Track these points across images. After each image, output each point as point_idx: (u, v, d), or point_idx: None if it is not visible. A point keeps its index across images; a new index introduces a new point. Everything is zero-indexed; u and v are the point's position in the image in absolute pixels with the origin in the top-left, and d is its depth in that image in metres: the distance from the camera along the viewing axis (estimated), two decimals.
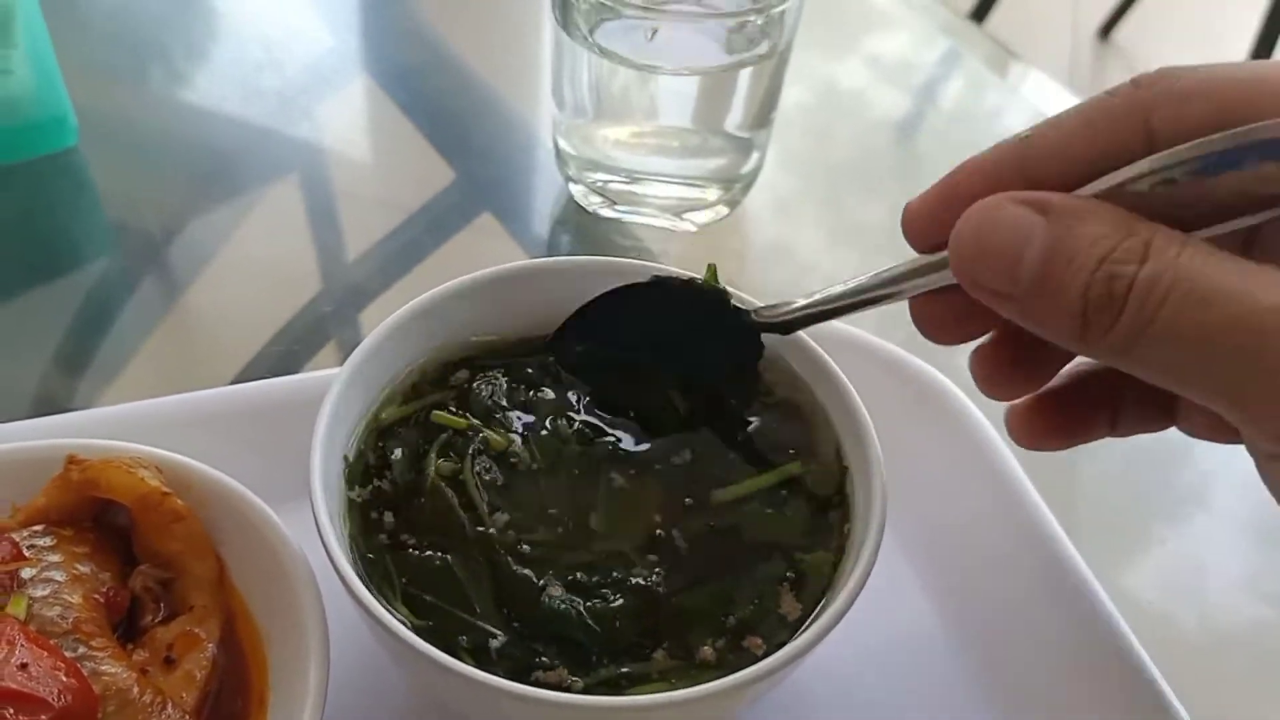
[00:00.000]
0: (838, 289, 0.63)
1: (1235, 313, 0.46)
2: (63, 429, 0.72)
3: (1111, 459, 0.89)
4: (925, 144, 1.27)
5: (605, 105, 0.97)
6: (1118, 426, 0.64)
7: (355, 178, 1.15)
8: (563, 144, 1.02)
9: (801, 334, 0.69)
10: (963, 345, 0.63)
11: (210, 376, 0.88)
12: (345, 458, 0.66)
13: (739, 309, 0.68)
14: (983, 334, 0.62)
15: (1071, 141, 0.54)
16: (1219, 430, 0.60)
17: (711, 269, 0.69)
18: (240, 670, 0.63)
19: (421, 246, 1.07)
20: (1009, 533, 0.75)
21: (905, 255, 0.58)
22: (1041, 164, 0.54)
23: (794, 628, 0.60)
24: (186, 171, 1.11)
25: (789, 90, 1.02)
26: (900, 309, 0.62)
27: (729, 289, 0.69)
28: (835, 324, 0.81)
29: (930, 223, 0.58)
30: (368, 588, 0.58)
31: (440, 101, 1.23)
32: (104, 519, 0.67)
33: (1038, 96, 1.31)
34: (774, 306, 0.67)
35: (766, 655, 0.58)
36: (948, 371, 0.81)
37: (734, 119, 0.97)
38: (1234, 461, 0.61)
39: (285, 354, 0.94)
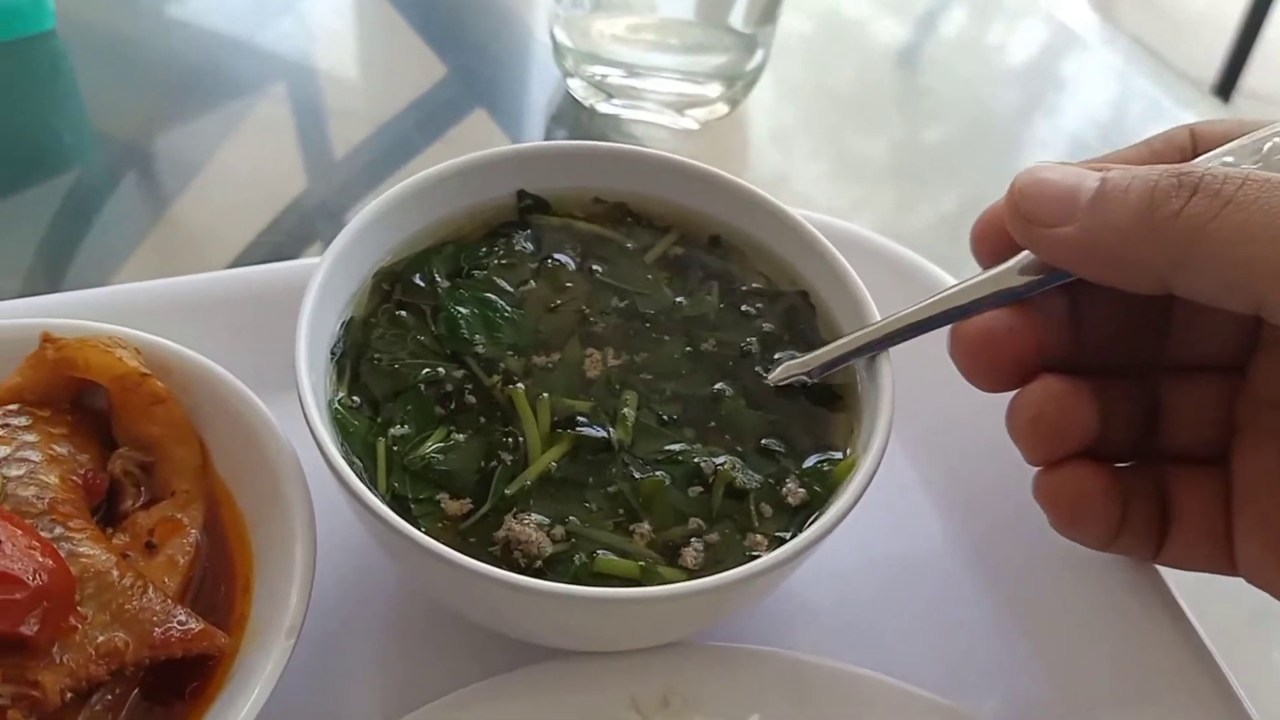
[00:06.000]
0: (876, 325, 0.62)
1: None
2: (39, 310, 0.69)
3: None
4: (927, 76, 1.23)
5: None
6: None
7: (344, 72, 1.11)
8: (560, 36, 0.99)
9: (808, 228, 0.67)
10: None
11: (199, 267, 0.85)
12: (335, 339, 0.63)
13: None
14: (1026, 380, 0.59)
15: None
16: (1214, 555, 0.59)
17: None
18: (224, 557, 0.61)
19: (412, 143, 1.04)
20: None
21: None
22: None
23: (799, 522, 0.59)
24: (169, 60, 1.07)
25: (789, 18, 0.99)
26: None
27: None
28: (840, 223, 0.80)
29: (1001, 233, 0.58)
30: (356, 474, 0.56)
31: None
32: (82, 402, 0.65)
33: (1043, 29, 1.28)
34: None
35: (769, 550, 0.57)
36: (949, 266, 0.78)
37: (738, 12, 0.94)
38: None
39: (275, 246, 0.91)
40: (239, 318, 0.71)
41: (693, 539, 0.58)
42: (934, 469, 0.75)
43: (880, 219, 1.02)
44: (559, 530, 0.57)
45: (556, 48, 1.00)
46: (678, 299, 0.67)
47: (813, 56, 1.18)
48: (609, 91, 0.98)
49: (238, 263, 0.89)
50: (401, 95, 1.07)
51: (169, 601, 0.56)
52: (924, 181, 1.06)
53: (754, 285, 0.69)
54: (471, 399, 0.62)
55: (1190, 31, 2.53)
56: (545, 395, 0.61)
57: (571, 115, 1.03)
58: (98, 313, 0.66)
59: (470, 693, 0.59)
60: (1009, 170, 1.06)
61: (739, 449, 0.61)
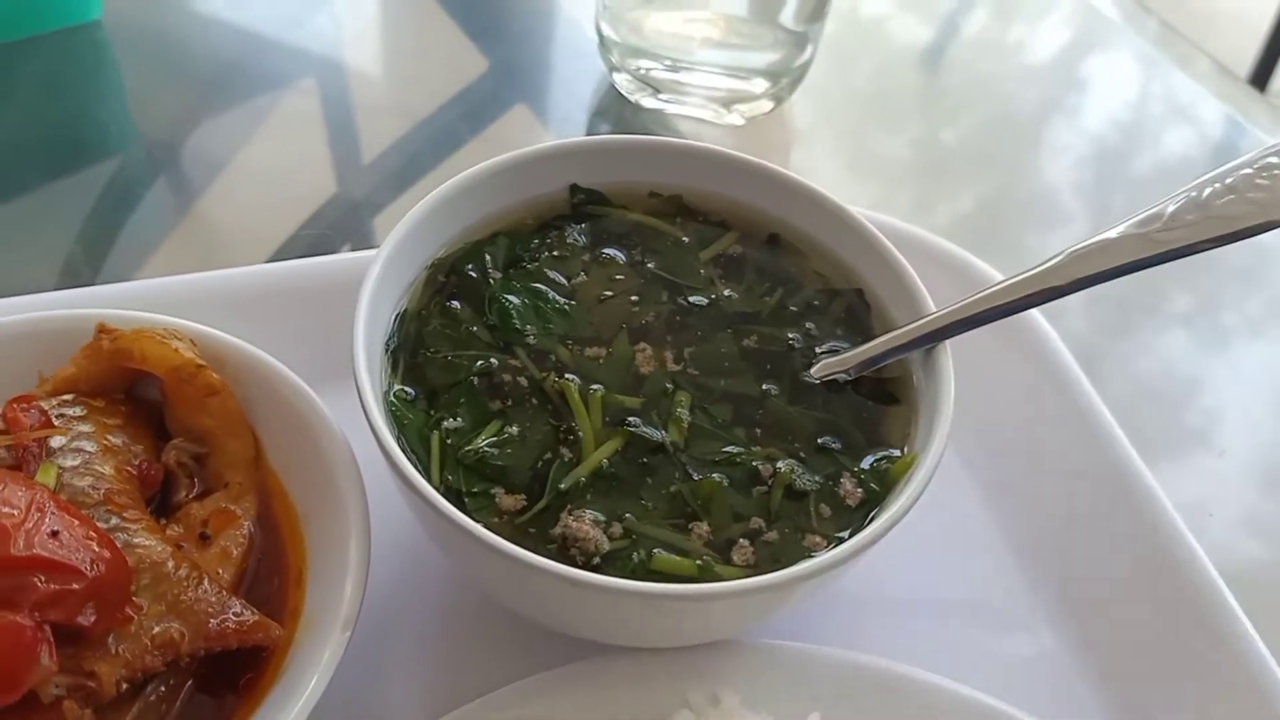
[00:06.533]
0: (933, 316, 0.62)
1: None
2: (93, 300, 0.69)
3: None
4: (948, 75, 1.21)
5: None
6: None
7: (385, 66, 1.11)
8: (606, 30, 0.98)
9: (868, 226, 0.67)
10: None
11: (243, 259, 0.85)
12: (389, 331, 0.63)
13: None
14: None
15: None
16: None
17: None
18: (277, 549, 0.61)
19: (455, 137, 1.03)
20: (1069, 438, 0.72)
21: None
22: None
23: (858, 520, 0.58)
24: (214, 54, 1.07)
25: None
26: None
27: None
28: (897, 223, 0.79)
29: None
30: (412, 463, 0.56)
31: None
32: (135, 393, 0.65)
33: (1065, 28, 1.27)
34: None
35: (828, 549, 0.56)
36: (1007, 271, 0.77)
37: (789, 9, 0.93)
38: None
39: (317, 240, 0.91)
40: (291, 310, 0.71)
41: (751, 538, 0.57)
42: (982, 464, 0.74)
43: (926, 221, 1.01)
44: (616, 528, 0.57)
45: (602, 41, 0.99)
46: (732, 295, 0.67)
47: (839, 57, 1.16)
48: (655, 86, 0.98)
49: (279, 255, 0.89)
50: (443, 90, 1.07)
51: (224, 593, 0.56)
52: (954, 180, 1.05)
53: (810, 283, 0.68)
54: (524, 392, 0.61)
55: (1216, 28, 2.49)
56: (596, 390, 0.61)
57: (615, 110, 1.02)
58: (152, 304, 0.66)
59: (522, 688, 0.58)
60: (1035, 167, 1.06)
61: (796, 446, 0.61)
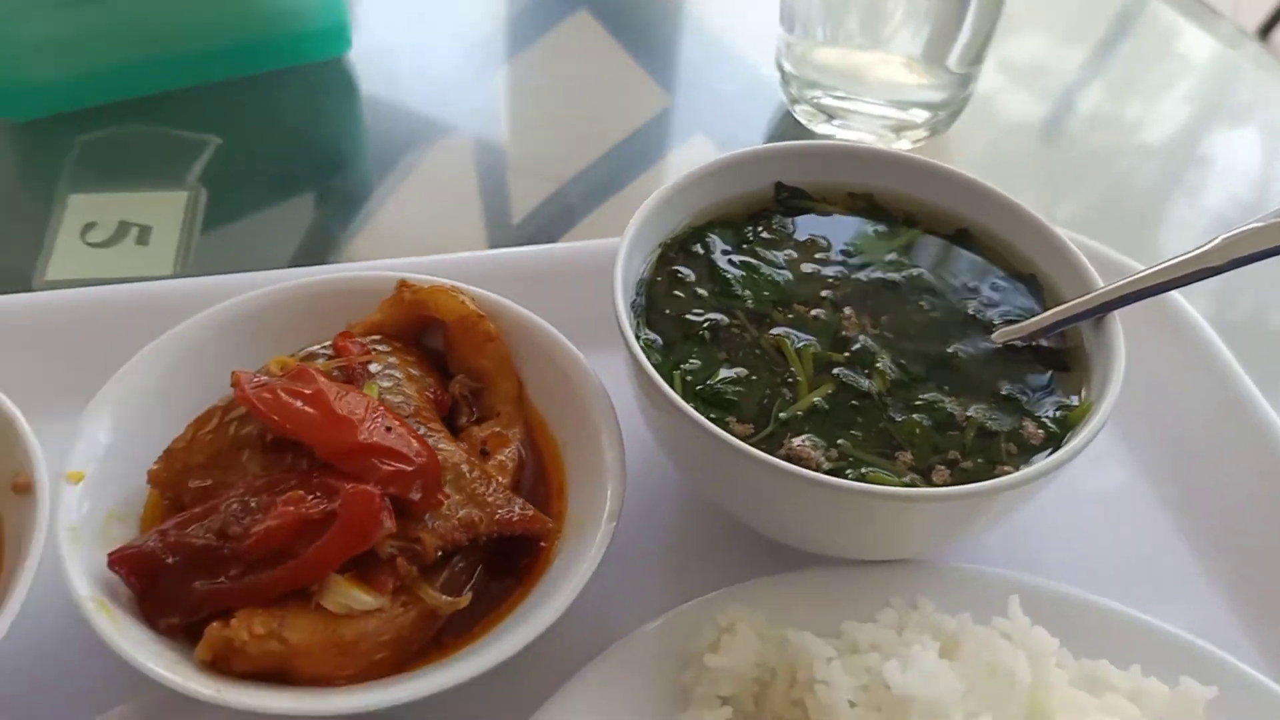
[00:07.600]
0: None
1: None
2: (390, 269, 0.82)
3: None
4: (1065, 149, 1.27)
5: (833, 29, 1.06)
6: None
7: (579, 102, 1.24)
8: (788, 67, 1.11)
9: (1041, 220, 0.78)
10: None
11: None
12: (635, 293, 0.76)
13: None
14: None
15: None
16: None
17: None
18: (540, 468, 0.73)
19: (649, 156, 1.17)
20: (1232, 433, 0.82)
21: None
22: None
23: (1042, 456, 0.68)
24: (443, 80, 1.23)
25: None
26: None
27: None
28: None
29: None
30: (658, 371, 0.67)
31: (654, 29, 1.33)
32: (421, 341, 0.78)
33: (1185, 105, 1.34)
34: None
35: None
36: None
37: (955, 53, 1.04)
38: None
39: (532, 238, 1.05)
40: (539, 285, 0.83)
41: (949, 466, 0.68)
42: (1136, 430, 0.84)
43: None
44: (833, 451, 0.68)
45: (784, 76, 1.12)
46: (921, 274, 0.78)
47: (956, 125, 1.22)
48: (829, 113, 1.10)
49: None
50: (634, 119, 1.20)
51: (508, 492, 0.68)
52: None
53: (988, 268, 0.79)
54: (746, 345, 0.73)
55: None
56: (807, 344, 0.72)
57: (792, 136, 1.14)
58: (433, 274, 0.79)
59: (742, 589, 0.69)
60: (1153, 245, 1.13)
61: (983, 397, 0.71)
